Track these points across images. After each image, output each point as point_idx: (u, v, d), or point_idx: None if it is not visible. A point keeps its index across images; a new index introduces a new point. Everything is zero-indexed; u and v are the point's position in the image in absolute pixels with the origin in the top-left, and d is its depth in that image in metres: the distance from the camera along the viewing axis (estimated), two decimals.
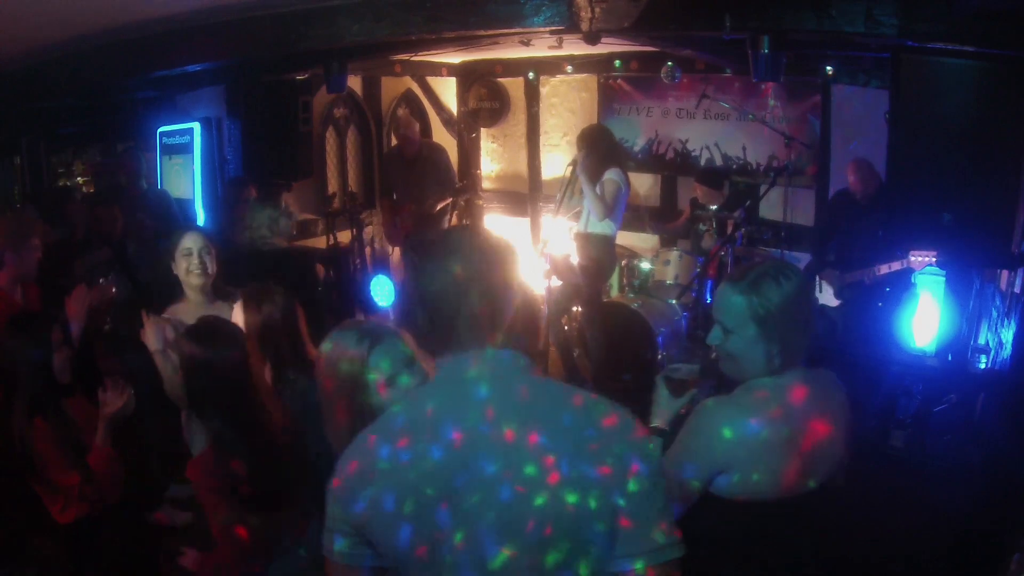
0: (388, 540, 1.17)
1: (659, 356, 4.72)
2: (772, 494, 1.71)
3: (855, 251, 4.54)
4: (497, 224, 7.58)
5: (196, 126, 5.48)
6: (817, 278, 4.73)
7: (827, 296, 4.79)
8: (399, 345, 1.78)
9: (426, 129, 7.18)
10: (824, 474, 1.78)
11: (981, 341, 4.03)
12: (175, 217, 5.31)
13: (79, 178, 5.73)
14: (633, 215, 6.33)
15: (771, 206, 5.64)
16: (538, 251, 5.22)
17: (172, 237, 2.96)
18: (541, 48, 5.91)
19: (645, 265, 5.44)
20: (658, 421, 1.96)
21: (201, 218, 5.57)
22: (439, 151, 6.39)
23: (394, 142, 6.96)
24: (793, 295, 1.70)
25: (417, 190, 6.10)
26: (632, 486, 1.13)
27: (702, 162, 6.28)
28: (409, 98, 7.15)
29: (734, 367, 1.79)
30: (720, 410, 1.75)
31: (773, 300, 1.68)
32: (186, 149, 5.59)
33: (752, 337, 1.71)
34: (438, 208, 6.17)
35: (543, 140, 7.20)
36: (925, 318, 4.58)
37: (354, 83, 6.54)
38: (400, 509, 1.15)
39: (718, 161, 6.20)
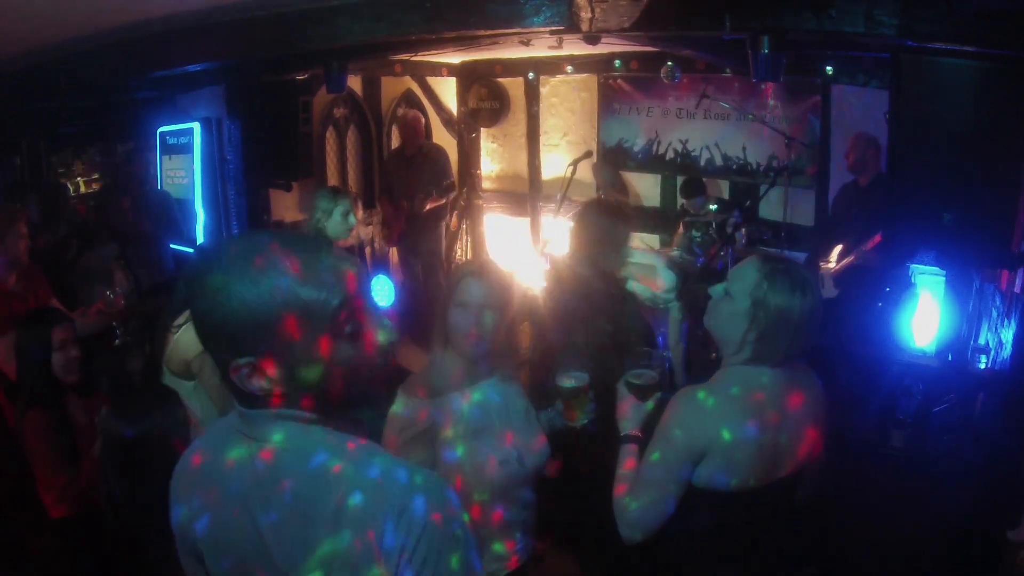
0: None
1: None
2: (752, 480, 1.75)
3: (852, 238, 4.55)
4: (497, 224, 7.59)
5: (196, 126, 5.48)
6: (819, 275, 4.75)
7: (827, 290, 4.80)
8: None
9: (426, 129, 7.18)
10: (792, 466, 1.82)
11: (981, 341, 4.02)
12: (175, 219, 5.32)
13: (79, 178, 5.74)
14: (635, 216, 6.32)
15: (771, 206, 5.64)
16: (538, 251, 5.20)
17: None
18: (541, 48, 5.91)
19: None
20: (630, 428, 1.98)
21: (201, 218, 5.58)
22: (439, 151, 6.40)
23: (395, 143, 6.97)
24: (798, 307, 1.74)
25: (413, 188, 6.10)
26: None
27: (702, 162, 6.28)
28: (409, 98, 7.15)
29: (714, 324, 1.88)
30: (704, 400, 1.80)
31: (778, 298, 1.73)
32: (186, 149, 5.59)
33: (741, 312, 1.77)
34: (428, 207, 6.15)
35: (543, 140, 7.20)
36: (925, 318, 4.58)
37: (354, 83, 6.54)
38: None
39: (718, 161, 6.20)
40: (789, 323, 1.73)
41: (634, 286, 4.26)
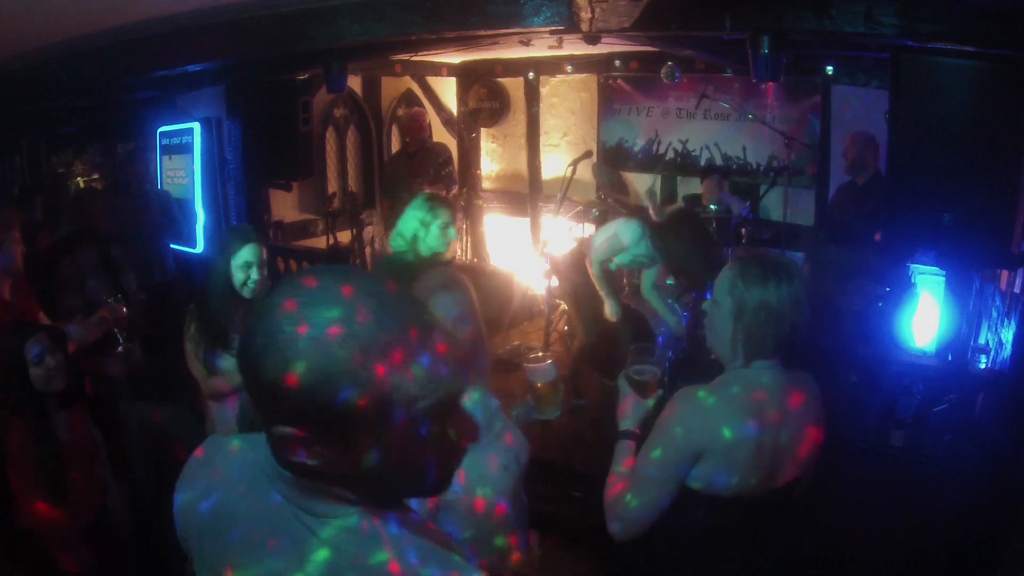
0: None
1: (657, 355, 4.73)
2: (753, 479, 1.74)
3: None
4: (497, 224, 7.59)
5: (196, 126, 5.48)
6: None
7: None
8: None
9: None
10: (795, 471, 1.82)
11: (981, 341, 4.02)
12: (176, 219, 5.32)
13: (79, 178, 5.73)
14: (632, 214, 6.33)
15: (771, 206, 5.64)
16: (538, 251, 5.20)
17: (229, 247, 2.81)
18: (541, 48, 5.91)
19: None
20: (631, 425, 1.98)
21: (201, 218, 5.58)
22: (441, 146, 6.43)
23: (395, 143, 6.97)
24: (775, 296, 1.74)
25: (415, 182, 6.11)
26: None
27: (702, 162, 6.28)
28: (409, 98, 7.15)
29: (709, 335, 1.89)
30: (700, 400, 1.80)
31: (754, 291, 1.75)
32: (186, 149, 5.59)
33: (725, 313, 1.79)
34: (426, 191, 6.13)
35: (543, 140, 7.20)
36: (925, 318, 4.58)
37: (354, 83, 6.54)
38: None
39: (718, 161, 6.20)
40: (770, 313, 1.74)
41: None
